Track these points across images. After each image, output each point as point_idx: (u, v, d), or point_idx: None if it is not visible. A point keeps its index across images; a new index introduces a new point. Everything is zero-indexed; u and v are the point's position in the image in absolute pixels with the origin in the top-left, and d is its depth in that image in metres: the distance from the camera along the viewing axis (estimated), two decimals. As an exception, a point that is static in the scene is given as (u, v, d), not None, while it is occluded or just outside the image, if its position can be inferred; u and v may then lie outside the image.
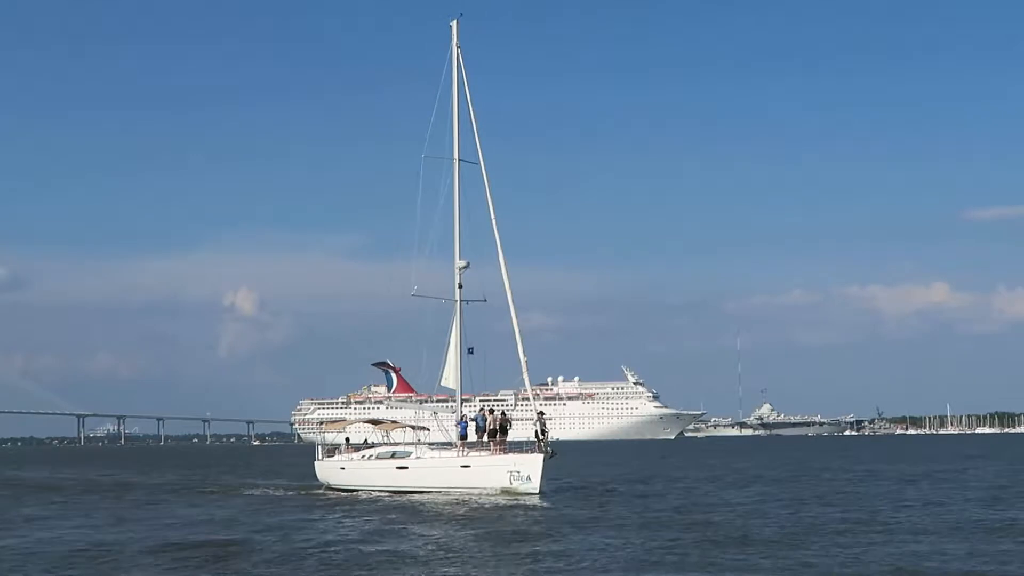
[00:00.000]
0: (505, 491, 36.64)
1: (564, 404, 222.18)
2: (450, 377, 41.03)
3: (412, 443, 41.65)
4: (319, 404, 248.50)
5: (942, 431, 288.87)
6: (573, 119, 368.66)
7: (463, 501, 35.02)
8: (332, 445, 43.99)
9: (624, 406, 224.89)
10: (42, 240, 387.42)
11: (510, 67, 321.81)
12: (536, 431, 37.40)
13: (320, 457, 43.62)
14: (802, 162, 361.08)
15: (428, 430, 43.27)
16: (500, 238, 39.81)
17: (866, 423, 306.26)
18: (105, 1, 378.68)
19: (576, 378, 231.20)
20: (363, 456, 41.68)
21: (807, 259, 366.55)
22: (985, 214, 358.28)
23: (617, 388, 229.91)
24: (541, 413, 37.91)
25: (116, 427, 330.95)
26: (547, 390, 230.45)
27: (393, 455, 40.76)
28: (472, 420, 39.73)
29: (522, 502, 34.20)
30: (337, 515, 31.03)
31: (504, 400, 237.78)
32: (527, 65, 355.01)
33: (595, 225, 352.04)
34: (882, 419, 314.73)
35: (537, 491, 36.49)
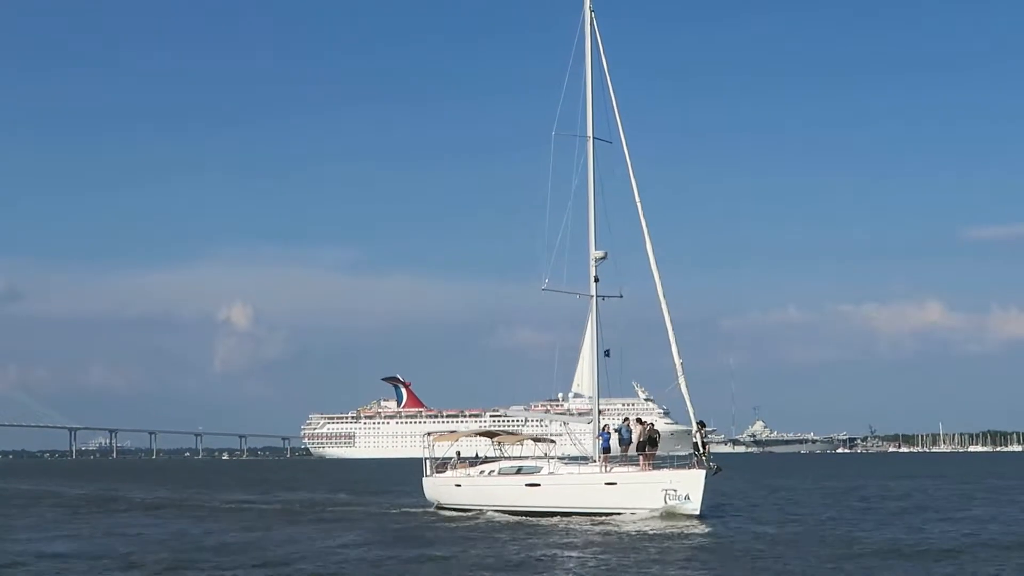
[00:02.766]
0: (660, 512, 32.04)
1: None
2: (584, 383, 36.45)
3: (540, 457, 36.96)
4: (329, 419, 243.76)
5: (935, 449, 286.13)
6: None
7: (613, 524, 30.52)
8: (443, 459, 39.26)
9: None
10: (38, 253, 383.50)
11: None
12: (696, 443, 32.78)
13: (428, 473, 38.92)
14: (798, 179, 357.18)
15: (554, 443, 38.52)
16: (647, 225, 35.15)
17: (859, 440, 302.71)
18: (110, 13, 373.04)
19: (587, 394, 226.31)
20: (482, 472, 36.94)
21: (802, 277, 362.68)
22: (981, 233, 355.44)
23: (628, 404, 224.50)
24: (701, 423, 33.23)
25: (108, 440, 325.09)
26: (557, 406, 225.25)
27: (519, 471, 36.06)
28: (615, 431, 35.02)
29: (688, 528, 29.60)
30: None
31: (515, 416, 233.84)
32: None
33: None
34: (875, 437, 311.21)
35: (698, 512, 31.90)
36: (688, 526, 29.89)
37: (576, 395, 37.26)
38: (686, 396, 33.42)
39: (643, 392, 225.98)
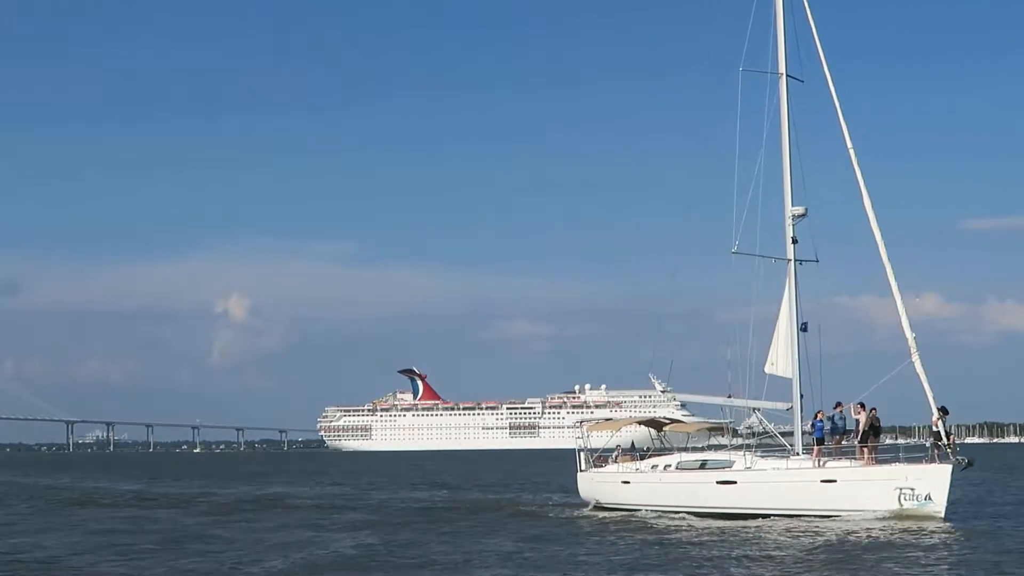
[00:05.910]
0: (893, 515, 26.80)
1: (592, 412, 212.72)
2: (779, 362, 30.95)
3: (724, 446, 31.71)
4: (345, 411, 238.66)
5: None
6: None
7: (837, 531, 25.31)
8: (603, 451, 33.95)
9: (652, 414, 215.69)
10: (35, 245, 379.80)
11: None
12: (938, 432, 27.49)
13: (583, 467, 33.58)
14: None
15: (735, 432, 33.17)
16: (863, 177, 29.80)
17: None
18: (110, 7, 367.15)
19: (603, 386, 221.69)
20: (655, 466, 31.60)
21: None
22: (978, 225, 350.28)
23: (645, 396, 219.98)
24: (943, 409, 27.85)
25: (105, 434, 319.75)
26: (574, 398, 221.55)
27: (703, 465, 30.73)
28: (828, 419, 29.57)
29: (939, 536, 24.38)
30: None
31: (532, 408, 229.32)
32: None
33: (584, 233, 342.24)
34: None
35: (942, 515, 26.63)
36: (945, 535, 24.58)
37: (772, 375, 31.47)
38: (923, 376, 27.95)
39: (660, 384, 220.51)
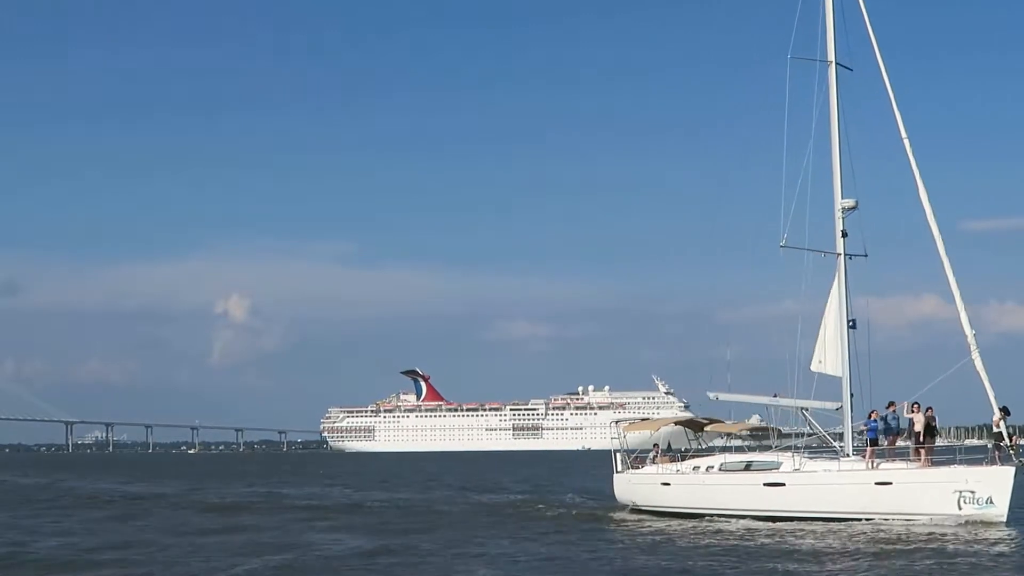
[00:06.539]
0: (952, 520, 25.69)
1: (595, 413, 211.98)
2: (827, 359, 29.82)
3: (771, 446, 30.66)
4: (348, 412, 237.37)
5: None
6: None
7: (892, 535, 24.23)
8: (640, 452, 32.81)
9: (655, 416, 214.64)
10: (34, 245, 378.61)
11: None
12: (1000, 433, 26.38)
13: (620, 468, 32.43)
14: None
15: (782, 432, 32.06)
16: (918, 169, 28.68)
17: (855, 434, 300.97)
18: (108, 3, 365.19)
19: (606, 387, 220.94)
20: (697, 468, 30.45)
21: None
22: (978, 225, 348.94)
23: (648, 397, 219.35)
24: (1004, 409, 26.72)
25: (104, 434, 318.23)
26: (577, 399, 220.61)
27: (748, 466, 29.60)
28: (882, 419, 28.43)
29: (1003, 542, 23.28)
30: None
31: (535, 409, 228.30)
32: None
33: (584, 233, 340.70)
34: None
35: (1004, 519, 25.54)
36: (1001, 539, 23.50)
37: (820, 373, 30.31)
38: (983, 374, 26.85)
39: (663, 385, 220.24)
